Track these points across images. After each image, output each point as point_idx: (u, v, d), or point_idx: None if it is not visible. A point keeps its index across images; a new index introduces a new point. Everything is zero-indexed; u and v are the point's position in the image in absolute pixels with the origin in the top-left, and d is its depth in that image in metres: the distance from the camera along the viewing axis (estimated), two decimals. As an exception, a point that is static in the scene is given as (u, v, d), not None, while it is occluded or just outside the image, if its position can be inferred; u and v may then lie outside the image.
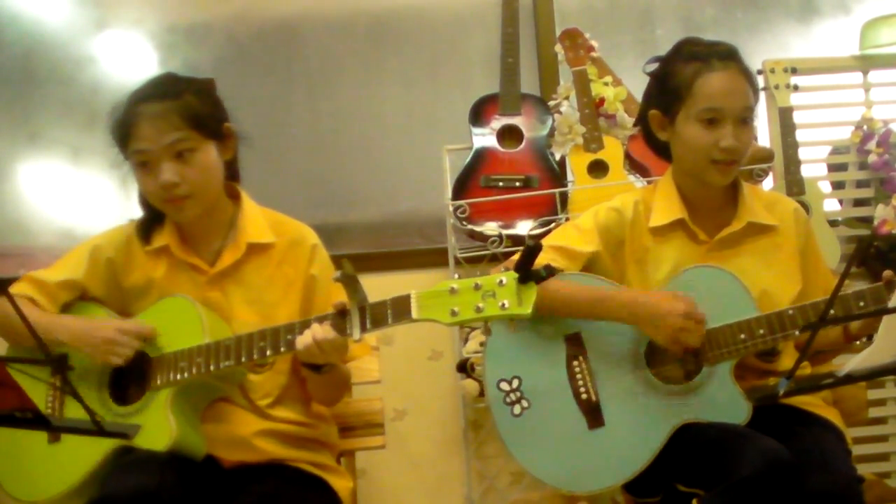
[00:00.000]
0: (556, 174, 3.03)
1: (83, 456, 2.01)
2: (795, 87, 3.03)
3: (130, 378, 2.09)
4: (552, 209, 2.98)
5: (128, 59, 3.31)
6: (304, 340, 1.91)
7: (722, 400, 2.08)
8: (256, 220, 2.18)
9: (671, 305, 2.08)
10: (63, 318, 2.13)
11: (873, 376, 1.94)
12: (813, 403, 2.19)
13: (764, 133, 3.04)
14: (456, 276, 3.00)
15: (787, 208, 2.29)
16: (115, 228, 2.22)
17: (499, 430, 2.18)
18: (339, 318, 1.91)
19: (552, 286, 2.14)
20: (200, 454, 2.00)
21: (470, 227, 2.99)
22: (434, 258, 3.13)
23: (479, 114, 3.10)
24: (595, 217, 2.26)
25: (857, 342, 2.23)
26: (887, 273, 2.04)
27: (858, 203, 3.14)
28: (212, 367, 1.98)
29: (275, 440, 2.10)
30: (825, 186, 3.13)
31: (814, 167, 3.13)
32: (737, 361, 2.11)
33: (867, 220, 3.10)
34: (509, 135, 3.08)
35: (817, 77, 3.12)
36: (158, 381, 2.02)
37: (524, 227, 2.98)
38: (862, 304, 2.06)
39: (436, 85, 3.37)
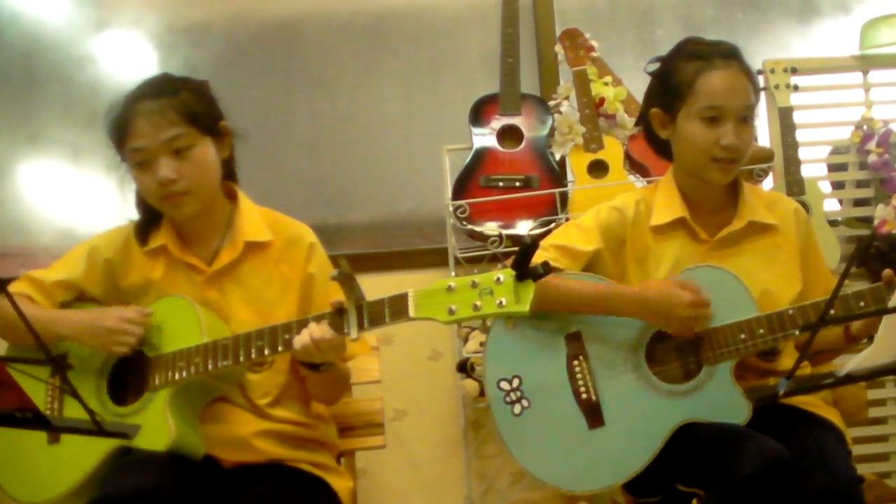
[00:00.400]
0: (556, 174, 3.03)
1: (83, 456, 2.01)
2: (795, 87, 3.03)
3: (129, 378, 2.09)
4: (552, 209, 2.98)
5: (128, 59, 3.31)
6: (301, 340, 1.91)
7: (722, 400, 2.08)
8: (254, 219, 2.18)
9: (677, 296, 2.09)
10: (64, 312, 2.14)
11: (873, 376, 1.94)
12: (813, 403, 2.19)
13: (764, 133, 3.04)
14: (454, 276, 3.00)
15: (788, 208, 2.29)
16: (114, 229, 2.22)
17: (499, 429, 2.18)
18: (337, 316, 1.91)
19: (559, 283, 2.15)
20: (199, 454, 2.00)
21: (470, 227, 2.99)
22: (434, 258, 3.13)
23: (479, 114, 3.10)
24: (596, 216, 2.26)
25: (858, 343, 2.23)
26: (887, 272, 2.04)
27: (858, 203, 3.14)
28: (210, 367, 1.98)
29: (274, 440, 2.10)
30: (825, 186, 3.12)
31: (814, 167, 3.13)
32: (737, 361, 2.11)
33: (867, 220, 3.10)
34: (509, 135, 3.08)
35: (817, 77, 3.12)
36: (157, 382, 2.02)
37: (524, 227, 2.98)
38: (862, 304, 2.06)
39: (436, 85, 3.37)
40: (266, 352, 1.97)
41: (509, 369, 2.20)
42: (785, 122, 3.01)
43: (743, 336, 2.09)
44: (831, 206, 3.12)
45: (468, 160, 3.06)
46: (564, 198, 2.99)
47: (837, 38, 3.36)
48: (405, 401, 3.16)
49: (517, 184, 3.01)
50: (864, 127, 3.10)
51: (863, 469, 2.18)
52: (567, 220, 2.89)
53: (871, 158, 3.07)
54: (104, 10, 3.32)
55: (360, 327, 1.88)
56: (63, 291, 2.16)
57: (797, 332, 2.09)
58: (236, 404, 2.10)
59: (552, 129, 3.07)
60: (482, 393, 2.78)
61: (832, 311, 1.97)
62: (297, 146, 3.34)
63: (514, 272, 1.71)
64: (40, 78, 3.26)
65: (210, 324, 2.04)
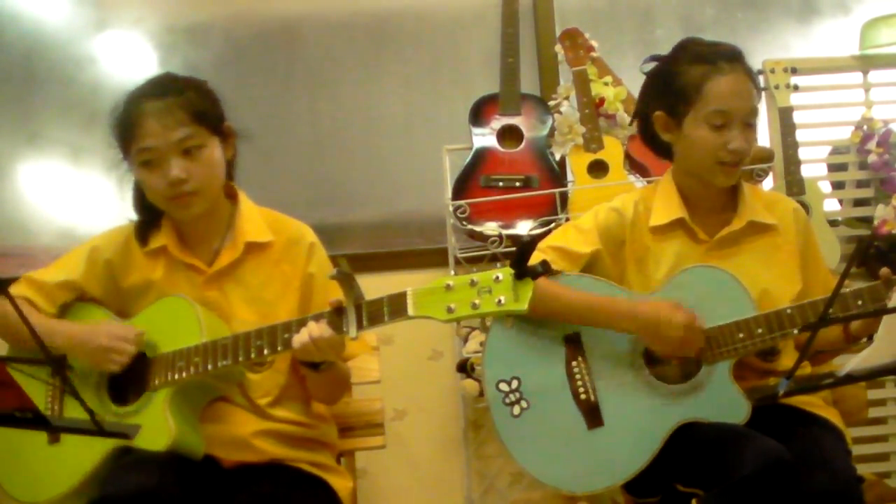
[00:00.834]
0: (556, 174, 3.03)
1: (83, 456, 2.01)
2: (795, 87, 3.03)
3: (129, 378, 2.08)
4: (552, 209, 2.98)
5: (128, 59, 3.30)
6: (300, 339, 1.91)
7: (721, 399, 2.09)
8: (254, 220, 2.18)
9: (671, 316, 2.08)
10: (60, 323, 2.13)
11: (873, 376, 1.94)
12: (813, 403, 2.19)
13: (764, 133, 3.04)
14: (454, 275, 3.00)
15: (787, 208, 2.29)
16: (114, 229, 2.22)
17: (498, 430, 2.18)
18: (336, 315, 1.91)
19: (552, 291, 2.15)
20: (199, 454, 2.00)
21: (470, 227, 2.99)
22: (434, 258, 3.13)
23: (479, 114, 3.10)
24: (595, 217, 2.26)
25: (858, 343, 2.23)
26: (884, 271, 2.05)
27: (858, 203, 3.14)
28: (209, 367, 1.98)
29: (274, 440, 2.10)
30: (825, 186, 3.13)
31: (814, 167, 3.13)
32: (736, 361, 2.11)
33: (867, 220, 3.10)
34: (509, 135, 3.08)
35: (817, 77, 3.12)
36: (157, 382, 2.02)
37: (524, 227, 2.98)
38: (860, 302, 2.06)
39: (436, 85, 3.37)
40: (265, 351, 1.97)
41: (508, 370, 2.20)
42: (785, 122, 3.01)
43: (741, 335, 2.09)
44: (831, 206, 3.13)
45: (468, 160, 3.06)
46: (564, 198, 2.99)
47: (837, 38, 3.36)
48: (405, 401, 3.16)
49: (517, 184, 3.01)
50: (864, 127, 3.10)
51: (863, 469, 2.19)
52: (567, 220, 2.89)
53: (871, 158, 3.07)
54: (104, 10, 3.32)
55: (360, 326, 1.88)
56: (64, 292, 2.16)
57: (796, 332, 2.09)
58: (236, 404, 2.10)
59: (552, 129, 3.07)
60: (482, 393, 2.78)
61: (831, 311, 1.97)
62: (298, 146, 3.34)
63: (512, 271, 1.71)
64: (40, 78, 3.26)
65: (210, 324, 2.04)
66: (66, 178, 3.27)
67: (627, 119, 3.04)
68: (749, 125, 2.17)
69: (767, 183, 3.02)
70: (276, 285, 2.15)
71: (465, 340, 2.98)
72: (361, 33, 3.36)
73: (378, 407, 2.42)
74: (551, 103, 3.13)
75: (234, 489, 2.01)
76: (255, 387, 2.11)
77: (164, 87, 2.08)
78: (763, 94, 2.94)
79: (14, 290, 2.11)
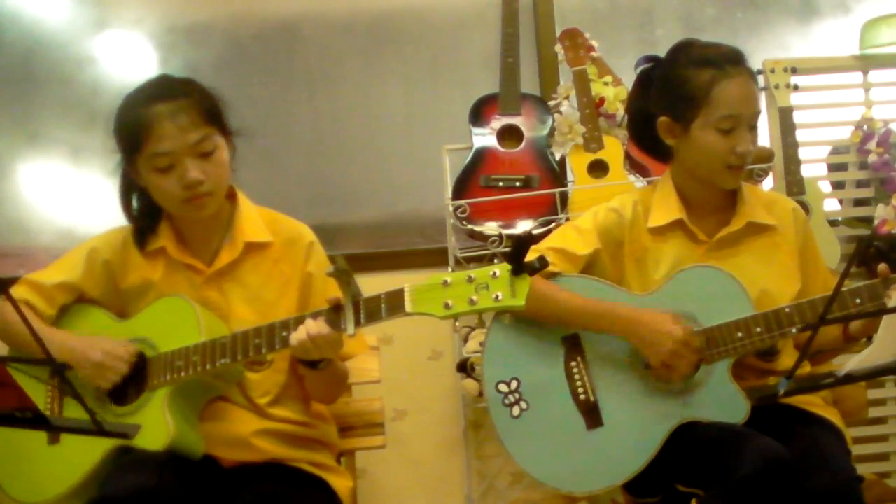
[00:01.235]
0: (556, 174, 3.03)
1: (82, 456, 2.01)
2: (795, 87, 3.02)
3: (128, 378, 2.08)
4: (552, 209, 2.98)
5: (128, 59, 3.30)
6: (297, 337, 1.91)
7: (720, 399, 2.09)
8: (253, 220, 2.18)
9: (669, 328, 2.08)
10: (55, 333, 2.11)
11: (873, 376, 1.94)
12: (813, 403, 2.20)
13: (764, 133, 3.04)
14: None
15: (786, 208, 2.29)
16: (113, 230, 2.22)
17: (498, 431, 2.18)
18: (334, 313, 1.91)
19: (550, 294, 2.15)
20: (199, 453, 2.00)
21: (470, 226, 2.99)
22: (434, 258, 3.13)
23: (479, 114, 3.10)
24: (594, 218, 2.26)
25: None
26: (882, 267, 2.05)
27: (858, 203, 3.14)
28: (208, 366, 1.98)
29: (274, 440, 2.10)
30: (825, 186, 3.12)
31: (814, 167, 3.13)
32: (735, 360, 2.11)
33: (867, 220, 3.10)
34: (509, 135, 3.08)
35: (817, 77, 3.12)
36: (156, 381, 2.02)
37: (524, 227, 2.97)
38: (858, 301, 2.06)
39: (436, 85, 3.37)
40: (264, 350, 1.97)
41: (508, 371, 2.20)
42: (785, 121, 3.01)
43: (740, 335, 2.09)
44: (831, 205, 3.12)
45: (468, 160, 3.06)
46: (564, 198, 2.99)
47: (837, 38, 3.36)
48: (405, 401, 3.15)
49: (517, 184, 3.01)
50: (864, 127, 3.09)
51: (863, 469, 2.18)
52: (567, 220, 2.89)
53: (871, 158, 3.07)
54: (104, 10, 3.32)
55: (357, 323, 1.88)
56: (63, 294, 2.16)
57: (794, 331, 2.09)
58: (236, 403, 2.10)
59: (552, 129, 3.07)
60: (482, 393, 2.78)
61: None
62: (298, 146, 3.34)
63: (509, 267, 1.71)
64: (40, 78, 3.26)
65: (209, 323, 2.04)
66: (66, 178, 3.27)
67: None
68: (753, 127, 2.17)
69: (767, 183, 3.02)
70: (275, 285, 2.15)
71: (465, 340, 2.98)
72: (361, 33, 3.36)
73: (378, 407, 2.42)
74: (551, 103, 3.13)
75: (234, 489, 2.01)
76: (255, 386, 2.11)
77: (172, 89, 2.07)
78: (763, 93, 2.95)
79: (14, 292, 2.10)
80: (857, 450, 2.19)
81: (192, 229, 2.15)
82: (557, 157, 3.06)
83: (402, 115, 3.35)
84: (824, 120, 3.15)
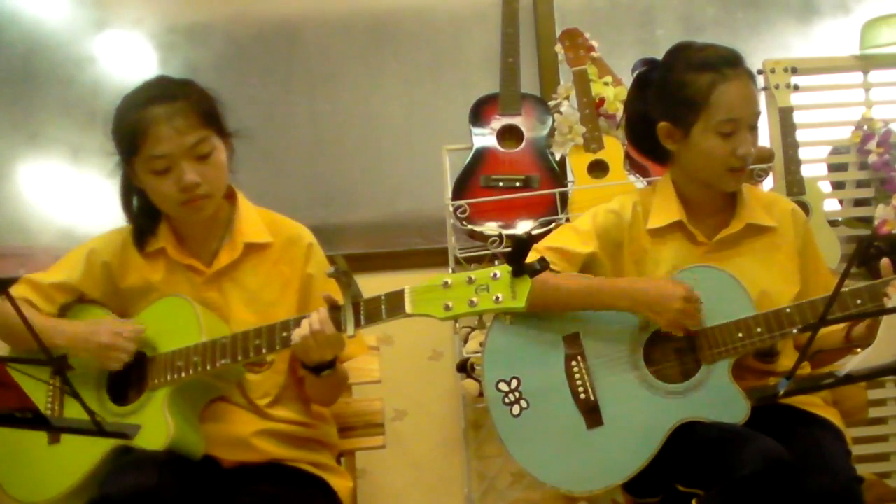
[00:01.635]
0: (556, 174, 3.03)
1: (82, 456, 2.01)
2: (795, 87, 3.02)
3: (129, 378, 2.09)
4: (552, 209, 2.98)
5: (128, 59, 3.30)
6: (300, 332, 1.91)
7: (720, 398, 2.09)
8: (253, 220, 2.18)
9: (671, 290, 2.09)
10: (60, 322, 2.13)
11: (873, 376, 1.94)
12: (813, 403, 2.20)
13: (764, 133, 3.04)
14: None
15: (785, 209, 2.29)
16: (112, 231, 2.22)
17: (498, 430, 2.18)
18: (333, 313, 1.90)
19: (550, 281, 2.14)
20: (199, 453, 2.00)
21: (470, 227, 2.99)
22: (434, 258, 3.13)
23: (479, 114, 3.10)
24: (593, 219, 2.26)
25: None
26: (885, 262, 2.05)
27: (858, 203, 3.14)
28: (208, 366, 1.99)
29: (274, 440, 2.10)
30: (825, 186, 3.12)
31: (814, 167, 3.13)
32: (735, 360, 2.11)
33: (867, 220, 3.10)
34: (509, 135, 3.08)
35: (817, 77, 3.12)
36: (156, 381, 2.02)
37: (524, 227, 2.97)
38: (859, 301, 2.06)
39: (436, 85, 3.37)
40: (264, 350, 1.97)
41: (508, 371, 2.20)
42: (785, 122, 3.01)
43: (741, 335, 2.09)
44: (831, 206, 3.12)
45: (468, 160, 3.06)
46: (564, 198, 2.99)
47: (837, 38, 3.36)
48: (405, 401, 3.15)
49: (517, 184, 3.01)
50: (864, 127, 3.09)
51: (863, 469, 2.18)
52: (567, 220, 2.89)
53: (872, 158, 3.06)
54: (104, 10, 3.32)
55: (357, 324, 1.88)
56: (62, 294, 2.16)
57: (794, 331, 2.09)
58: (236, 404, 2.10)
59: (552, 129, 3.07)
60: (482, 393, 2.78)
61: (831, 311, 1.97)
62: (298, 146, 3.34)
63: (510, 268, 1.71)
64: (40, 78, 3.26)
65: (209, 323, 2.04)
66: (66, 178, 3.27)
67: (627, 119, 3.04)
68: (754, 127, 2.17)
69: (767, 183, 3.02)
70: (274, 286, 2.15)
71: (465, 340, 2.98)
72: (361, 33, 3.36)
73: (378, 407, 2.42)
74: (551, 103, 3.13)
75: (234, 489, 2.01)
76: (255, 387, 2.11)
77: (169, 91, 2.06)
78: (763, 93, 2.95)
79: (14, 291, 2.11)
80: (857, 450, 2.19)
81: (192, 230, 2.15)
82: (557, 157, 3.06)
83: (402, 115, 3.35)
84: (824, 120, 3.15)
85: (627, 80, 3.08)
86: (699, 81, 2.15)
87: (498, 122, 3.08)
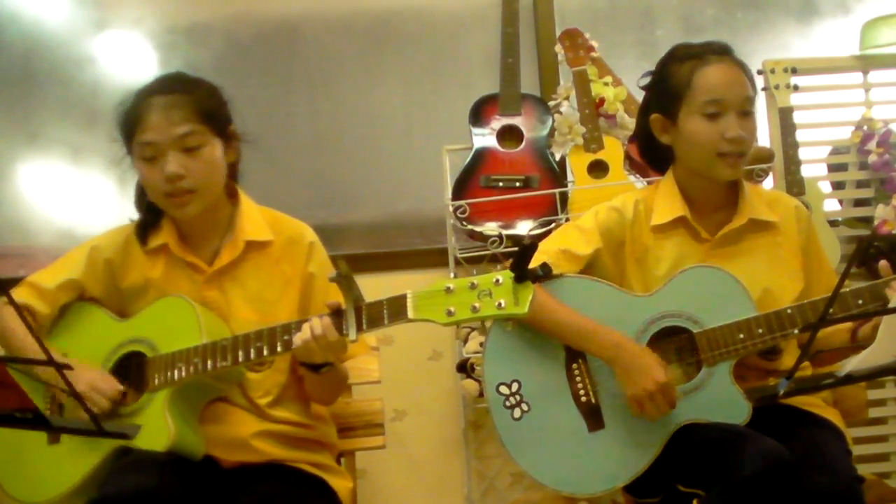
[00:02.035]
0: (556, 174, 3.03)
1: (82, 457, 2.01)
2: (795, 87, 3.03)
3: (129, 379, 2.08)
4: (552, 209, 2.98)
5: (128, 59, 3.30)
6: (302, 336, 1.91)
7: (721, 400, 2.08)
8: (254, 219, 2.18)
9: (653, 369, 2.05)
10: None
11: (873, 376, 1.94)
12: (813, 403, 2.19)
13: (764, 133, 3.04)
14: (454, 276, 3.00)
15: (788, 206, 2.29)
16: (114, 229, 2.22)
17: (499, 433, 2.18)
18: (336, 317, 1.90)
19: (549, 307, 2.14)
20: (199, 454, 2.00)
21: (470, 227, 2.99)
22: (434, 258, 3.13)
23: (479, 114, 3.10)
24: (596, 217, 2.26)
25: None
26: (883, 264, 2.05)
27: (858, 203, 3.14)
28: (209, 368, 1.98)
29: (274, 441, 2.10)
30: (825, 186, 3.13)
31: (814, 167, 3.13)
32: (736, 361, 2.11)
33: (867, 220, 3.10)
34: (509, 135, 3.08)
35: (817, 77, 3.12)
36: (156, 382, 2.02)
37: (524, 228, 2.98)
38: (860, 301, 2.06)
39: (436, 85, 3.37)
40: (265, 352, 1.97)
41: (508, 374, 2.19)
42: (785, 122, 3.01)
43: (742, 336, 2.09)
44: (831, 206, 3.13)
45: (468, 160, 3.06)
46: (564, 198, 2.99)
47: (837, 38, 3.37)
48: (405, 401, 3.16)
49: (517, 184, 3.01)
50: (864, 127, 3.10)
51: (863, 469, 2.18)
52: (567, 220, 2.89)
53: (872, 158, 3.07)
54: (104, 10, 3.32)
55: (359, 328, 1.88)
56: (65, 293, 2.16)
57: (796, 332, 2.09)
58: (236, 404, 2.10)
59: (552, 130, 3.07)
60: (482, 393, 2.78)
61: (832, 311, 1.97)
62: (298, 146, 3.34)
63: (512, 274, 1.71)
64: (40, 78, 3.26)
65: (209, 324, 2.04)
66: (66, 178, 3.27)
67: (627, 119, 3.04)
68: (745, 114, 2.16)
69: (767, 183, 3.02)
70: (276, 285, 2.15)
71: (465, 341, 2.98)
72: (361, 33, 3.36)
73: (378, 407, 2.42)
74: (551, 103, 3.13)
75: (234, 490, 2.01)
76: (256, 386, 2.11)
77: (172, 84, 2.09)
78: (763, 94, 2.95)
79: (15, 296, 2.10)
80: (857, 450, 2.18)
81: (193, 227, 2.15)
82: (557, 157, 3.06)
83: (402, 115, 3.35)
84: (824, 120, 3.15)
85: (627, 81, 3.09)
86: (682, 69, 2.17)
87: (498, 123, 3.08)
